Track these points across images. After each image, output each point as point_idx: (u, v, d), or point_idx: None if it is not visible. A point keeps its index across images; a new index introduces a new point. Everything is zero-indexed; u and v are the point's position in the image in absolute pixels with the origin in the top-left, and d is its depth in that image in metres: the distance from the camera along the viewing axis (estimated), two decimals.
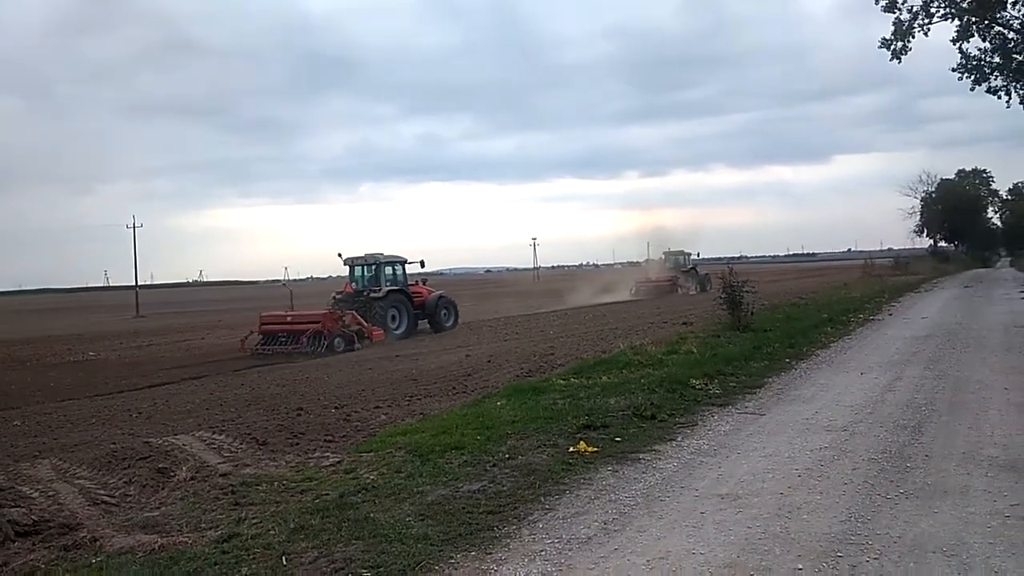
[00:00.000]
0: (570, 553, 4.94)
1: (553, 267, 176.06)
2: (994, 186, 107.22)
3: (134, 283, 78.99)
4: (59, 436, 11.51)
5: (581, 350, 16.97)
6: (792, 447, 7.44)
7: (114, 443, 9.66)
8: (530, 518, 5.59)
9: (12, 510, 6.06)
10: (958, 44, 36.86)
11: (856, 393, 10.16)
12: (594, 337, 20.68)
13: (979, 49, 36.85)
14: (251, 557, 4.98)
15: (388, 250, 31.11)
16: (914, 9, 36.30)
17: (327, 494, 6.26)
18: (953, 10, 36.18)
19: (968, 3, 35.80)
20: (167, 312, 66.37)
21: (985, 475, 6.32)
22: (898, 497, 5.82)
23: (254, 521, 5.66)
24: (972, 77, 37.14)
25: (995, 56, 36.53)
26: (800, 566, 4.60)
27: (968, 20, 36.40)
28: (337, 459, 7.53)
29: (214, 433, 9.63)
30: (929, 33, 36.74)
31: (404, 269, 30.79)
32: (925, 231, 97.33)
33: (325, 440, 8.92)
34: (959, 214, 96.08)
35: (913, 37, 36.73)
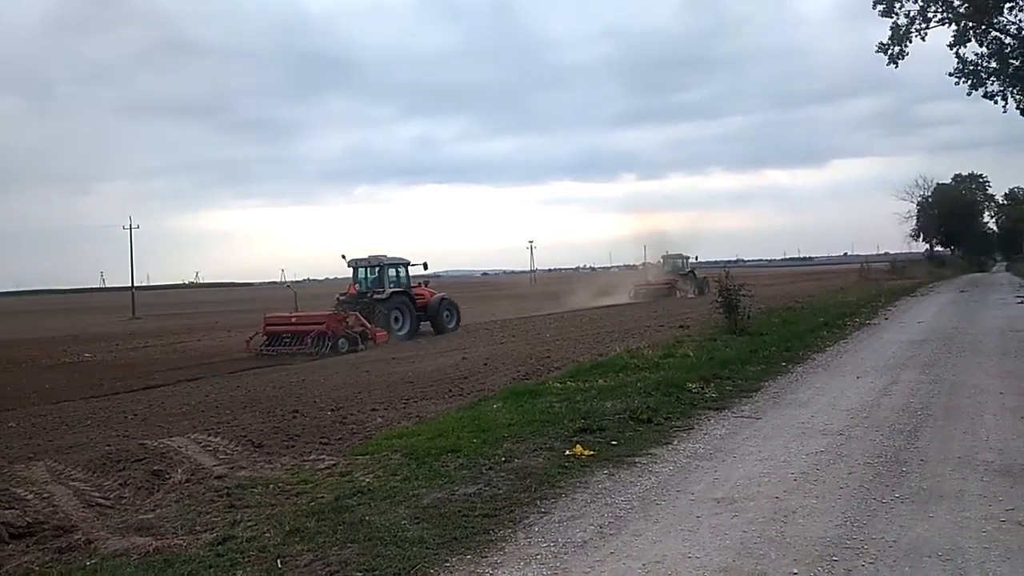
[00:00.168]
0: (566, 557, 4.94)
1: (550, 270, 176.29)
2: (990, 191, 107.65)
3: (130, 284, 78.80)
4: (54, 438, 11.47)
5: (577, 353, 16.96)
6: (788, 451, 7.44)
7: (109, 445, 9.63)
8: (526, 521, 5.59)
9: (6, 512, 6.04)
10: (955, 49, 36.99)
11: (852, 397, 10.17)
12: (590, 340, 20.68)
13: (976, 54, 36.98)
14: (246, 560, 4.97)
15: (385, 252, 31.23)
16: (911, 14, 36.44)
17: (323, 497, 6.25)
18: (950, 15, 36.29)
19: (965, 8, 35.92)
20: (163, 314, 66.26)
21: (980, 480, 6.33)
22: (894, 501, 5.82)
23: (249, 524, 5.65)
24: (969, 82, 37.26)
25: (992, 61, 36.65)
26: (796, 570, 4.61)
27: (965, 25, 36.52)
28: (333, 462, 7.52)
29: (210, 435, 9.60)
30: (926, 38, 36.87)
31: (407, 271, 30.95)
32: (921, 235, 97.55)
33: (321, 443, 8.90)
34: (955, 219, 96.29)
35: (910, 41, 36.86)
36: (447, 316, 31.42)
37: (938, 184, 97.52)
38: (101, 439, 10.78)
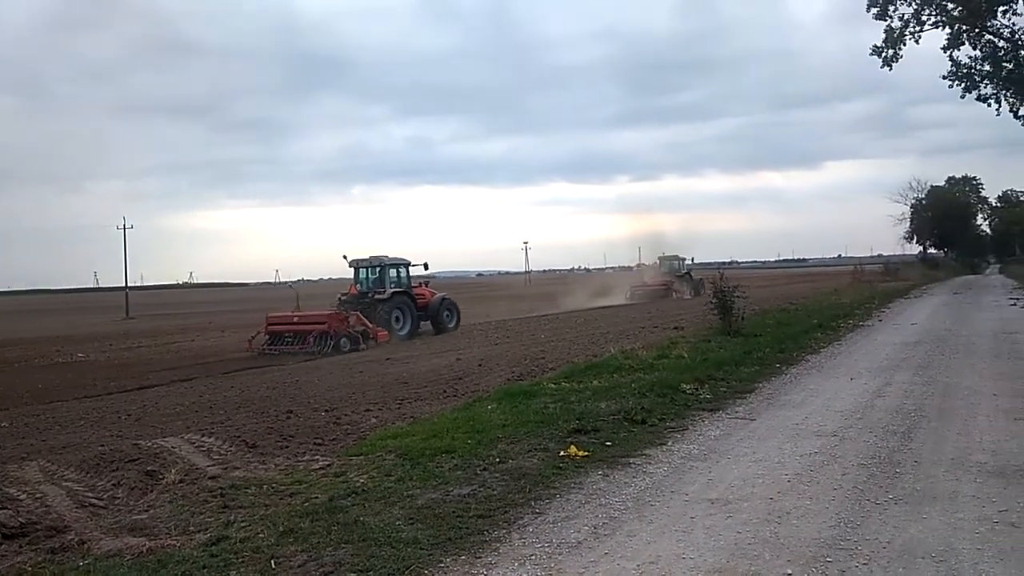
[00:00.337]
0: (560, 558, 4.94)
1: (544, 271, 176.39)
2: (984, 193, 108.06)
3: (124, 284, 78.65)
4: (47, 438, 11.45)
5: (572, 354, 16.96)
6: (782, 452, 7.45)
7: (102, 445, 9.60)
8: (520, 522, 5.58)
9: None
10: (949, 52, 37.19)
11: (846, 399, 10.19)
12: (585, 341, 20.68)
13: (969, 57, 37.20)
14: (240, 560, 4.96)
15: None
16: (905, 17, 36.64)
17: (316, 497, 6.23)
18: (944, 18, 36.47)
19: (959, 11, 36.06)
20: (157, 314, 66.14)
21: (974, 481, 6.34)
22: (887, 503, 5.83)
23: (243, 524, 5.64)
24: (962, 85, 37.48)
25: (985, 64, 36.84)
26: (790, 571, 4.61)
27: (959, 28, 36.70)
28: (327, 462, 7.50)
29: (203, 436, 9.59)
30: (920, 41, 37.07)
31: (408, 271, 31.31)
32: (915, 237, 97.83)
33: (315, 443, 8.88)
34: (949, 221, 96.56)
35: (904, 44, 37.05)
36: (447, 316, 31.79)
37: (932, 186, 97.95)
38: (94, 439, 10.75)
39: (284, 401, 13.33)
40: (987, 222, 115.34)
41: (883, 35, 37.21)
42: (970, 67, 37.09)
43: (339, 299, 29.97)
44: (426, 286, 32.71)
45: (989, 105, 37.21)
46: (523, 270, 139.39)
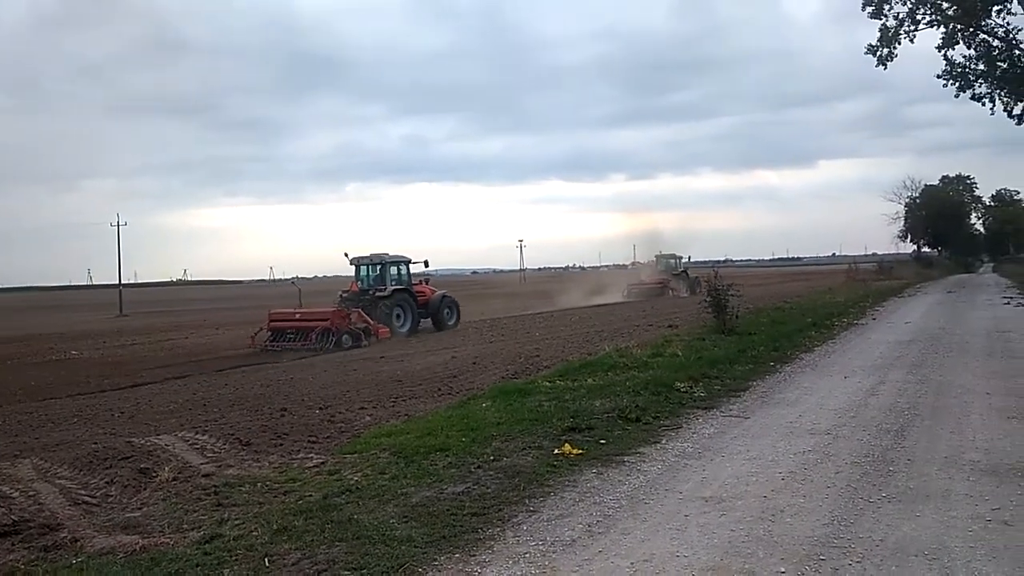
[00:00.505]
0: (554, 555, 4.94)
1: (539, 269, 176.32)
2: (978, 192, 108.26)
3: (118, 282, 78.42)
4: (40, 435, 11.42)
5: (567, 352, 16.97)
6: (776, 450, 7.46)
7: (96, 443, 9.58)
8: (514, 520, 5.58)
9: None
10: (943, 51, 37.25)
11: (840, 397, 10.21)
12: (580, 339, 20.69)
13: (964, 56, 37.25)
14: (233, 558, 4.95)
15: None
16: (900, 16, 36.67)
17: (310, 495, 6.23)
18: (939, 17, 36.54)
19: (953, 11, 36.13)
20: (151, 311, 65.96)
21: (967, 479, 6.36)
22: (881, 501, 5.85)
23: (237, 522, 5.63)
24: (957, 84, 37.53)
25: (979, 63, 36.91)
26: (783, 569, 4.62)
27: (953, 27, 36.77)
28: (321, 460, 7.50)
29: (197, 433, 9.56)
30: (915, 40, 37.10)
31: (408, 269, 31.65)
32: (909, 236, 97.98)
33: (309, 441, 8.87)
34: (943, 220, 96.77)
35: (899, 44, 37.09)
36: (448, 313, 32.14)
37: (926, 185, 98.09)
38: (88, 437, 10.73)
39: (278, 399, 13.31)
40: (981, 221, 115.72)
41: (878, 34, 37.28)
42: (965, 66, 37.17)
43: (340, 296, 30.22)
44: (426, 283, 32.93)
45: (983, 104, 37.31)
46: (518, 268, 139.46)
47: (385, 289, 29.75)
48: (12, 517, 5.95)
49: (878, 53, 37.45)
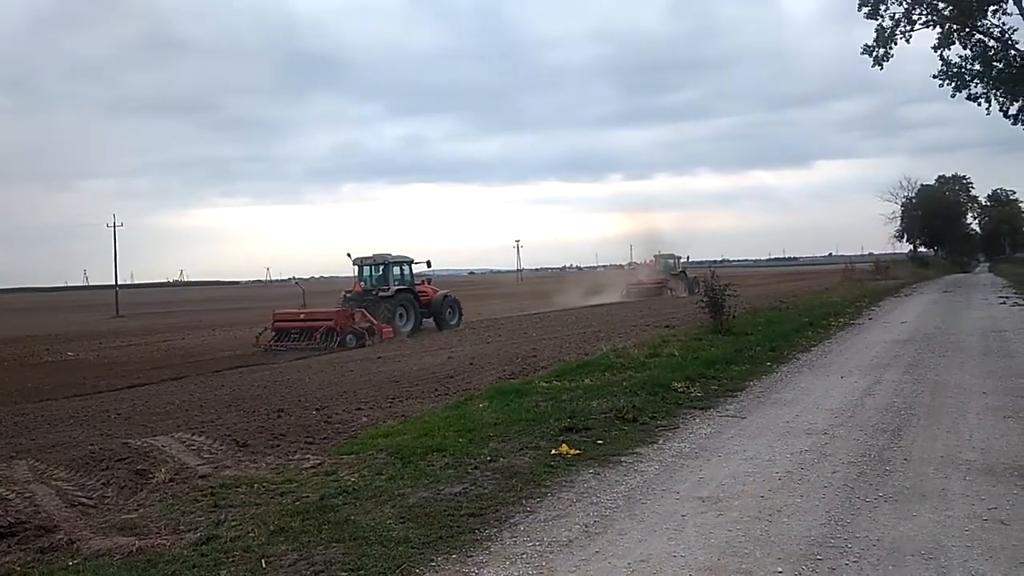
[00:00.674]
0: (551, 556, 4.94)
1: (536, 269, 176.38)
2: (973, 192, 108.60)
3: (114, 282, 78.30)
4: (36, 437, 11.39)
5: (564, 352, 16.98)
6: (772, 450, 7.47)
7: (92, 444, 9.56)
8: (511, 521, 5.58)
9: None
10: (939, 51, 37.31)
11: (836, 397, 10.22)
12: (577, 340, 20.70)
13: (960, 56, 37.31)
14: (230, 560, 4.94)
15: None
16: (896, 16, 36.73)
17: (307, 496, 6.22)
18: (935, 18, 36.61)
19: (949, 11, 36.20)
20: (147, 312, 65.91)
21: (963, 479, 6.37)
22: (877, 500, 5.85)
23: (233, 523, 5.61)
24: (953, 84, 37.61)
25: (975, 63, 36.98)
26: (780, 569, 4.62)
27: (949, 28, 36.83)
28: (318, 461, 7.49)
29: (194, 434, 9.56)
30: (911, 40, 37.17)
31: (411, 269, 32.00)
32: (905, 236, 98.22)
33: (306, 442, 8.86)
34: (939, 220, 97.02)
35: (895, 44, 37.15)
36: (450, 313, 32.47)
37: (922, 185, 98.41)
38: (84, 438, 10.70)
39: (275, 400, 13.30)
40: (977, 221, 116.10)
41: (874, 34, 37.34)
42: (960, 66, 37.23)
43: (344, 296, 30.45)
44: (428, 283, 33.18)
45: (979, 104, 37.40)
46: (515, 268, 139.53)
47: (388, 289, 30.01)
48: (8, 519, 5.94)
49: (874, 53, 37.53)
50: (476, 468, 6.87)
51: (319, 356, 23.13)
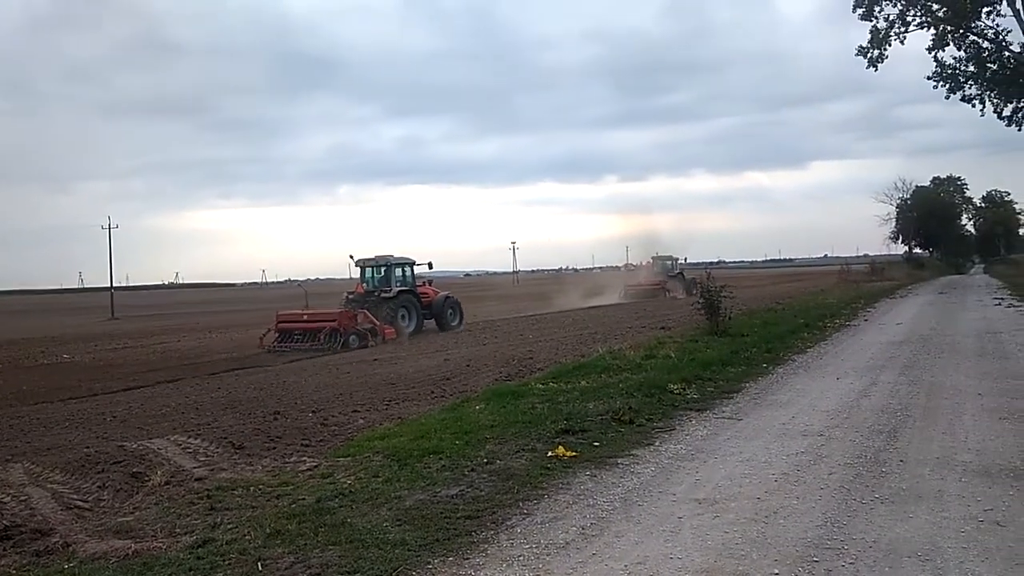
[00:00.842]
0: (548, 558, 4.94)
1: (532, 271, 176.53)
2: (968, 193, 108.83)
3: (109, 284, 78.18)
4: (32, 440, 11.35)
5: (560, 354, 16.98)
6: (769, 452, 7.47)
7: (88, 447, 9.54)
8: (508, 523, 5.58)
9: None
10: (933, 53, 37.43)
11: (832, 398, 10.23)
12: (573, 341, 20.69)
13: (954, 58, 37.44)
14: (226, 563, 4.93)
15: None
16: (890, 18, 36.84)
17: (304, 499, 6.21)
18: (929, 19, 36.71)
19: (943, 12, 36.29)
20: (143, 314, 65.83)
21: (959, 480, 6.38)
22: (873, 502, 5.86)
23: (229, 526, 5.61)
24: (947, 85, 37.71)
25: (969, 65, 37.09)
26: (777, 571, 4.62)
27: (943, 29, 36.95)
28: (314, 463, 7.48)
29: (189, 437, 9.54)
30: (905, 41, 37.28)
31: (413, 270, 32.39)
32: (900, 237, 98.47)
33: (302, 444, 8.86)
34: (934, 221, 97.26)
35: (889, 45, 37.26)
36: (451, 314, 32.89)
37: (917, 187, 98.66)
38: (80, 441, 10.68)
39: (271, 402, 13.27)
40: (972, 222, 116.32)
41: (869, 36, 37.44)
42: (955, 68, 37.36)
43: (346, 297, 30.76)
44: (429, 285, 33.47)
45: (973, 106, 37.53)
46: (511, 270, 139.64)
47: (390, 290, 30.39)
48: (3, 522, 5.92)
49: (869, 55, 37.64)
50: (472, 470, 6.87)
51: (315, 358, 23.10)
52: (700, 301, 18.28)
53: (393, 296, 30.12)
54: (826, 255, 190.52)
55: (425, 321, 31.43)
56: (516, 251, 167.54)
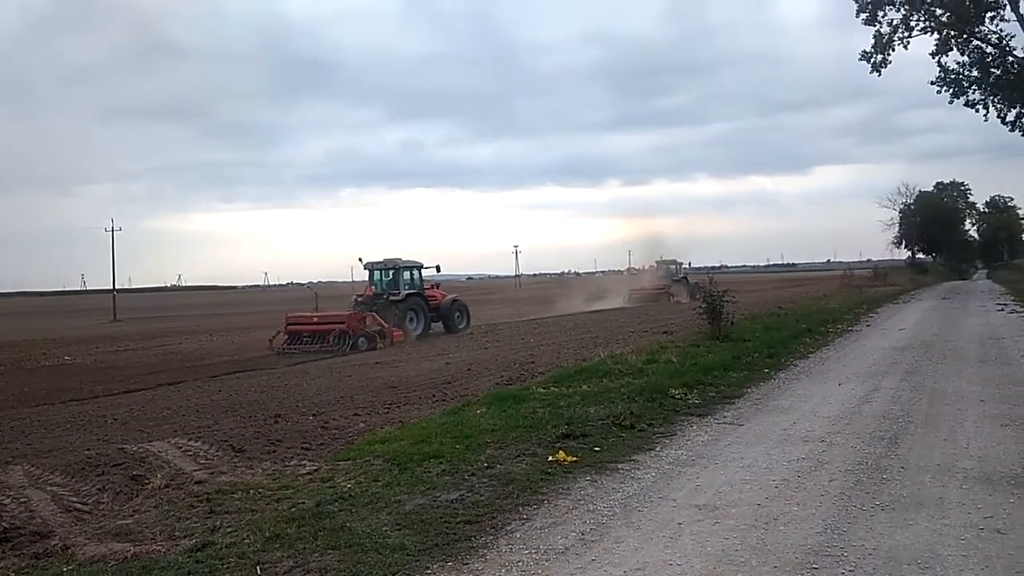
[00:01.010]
0: (547, 564, 4.93)
1: (535, 275, 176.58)
2: (972, 199, 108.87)
3: (111, 287, 78.29)
4: (32, 442, 11.36)
5: (562, 358, 16.95)
6: (770, 458, 7.46)
7: (88, 449, 9.54)
8: (508, 528, 5.57)
9: None
10: (937, 58, 37.34)
11: (834, 404, 10.21)
12: (575, 345, 20.67)
13: (958, 63, 37.32)
14: (225, 566, 4.93)
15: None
16: (894, 22, 36.75)
17: (303, 503, 6.21)
18: (932, 24, 36.64)
19: (947, 17, 36.24)
20: (144, 317, 65.92)
21: (960, 487, 6.36)
22: (874, 509, 5.85)
23: (229, 530, 5.61)
24: (950, 90, 37.60)
25: (973, 70, 37.00)
26: None
27: (947, 34, 36.87)
28: (314, 467, 7.48)
29: (190, 440, 9.53)
30: (909, 46, 37.18)
31: (421, 274, 32.65)
32: (903, 242, 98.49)
33: (302, 448, 8.85)
34: (937, 226, 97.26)
35: (893, 50, 37.17)
36: (458, 317, 33.12)
37: (920, 192, 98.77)
38: (80, 443, 10.68)
39: (272, 405, 13.27)
40: (975, 227, 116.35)
41: (872, 40, 37.38)
42: (958, 73, 37.25)
43: (355, 300, 31.00)
44: (437, 288, 33.77)
45: (977, 111, 37.40)
46: (513, 274, 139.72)
47: (399, 293, 30.66)
48: (3, 524, 5.93)
49: (872, 59, 37.53)
50: (473, 475, 6.86)
51: (316, 361, 23.12)
52: (702, 306, 18.27)
53: (401, 299, 30.37)
54: (829, 260, 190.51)
55: (432, 324, 31.65)
56: (519, 255, 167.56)
